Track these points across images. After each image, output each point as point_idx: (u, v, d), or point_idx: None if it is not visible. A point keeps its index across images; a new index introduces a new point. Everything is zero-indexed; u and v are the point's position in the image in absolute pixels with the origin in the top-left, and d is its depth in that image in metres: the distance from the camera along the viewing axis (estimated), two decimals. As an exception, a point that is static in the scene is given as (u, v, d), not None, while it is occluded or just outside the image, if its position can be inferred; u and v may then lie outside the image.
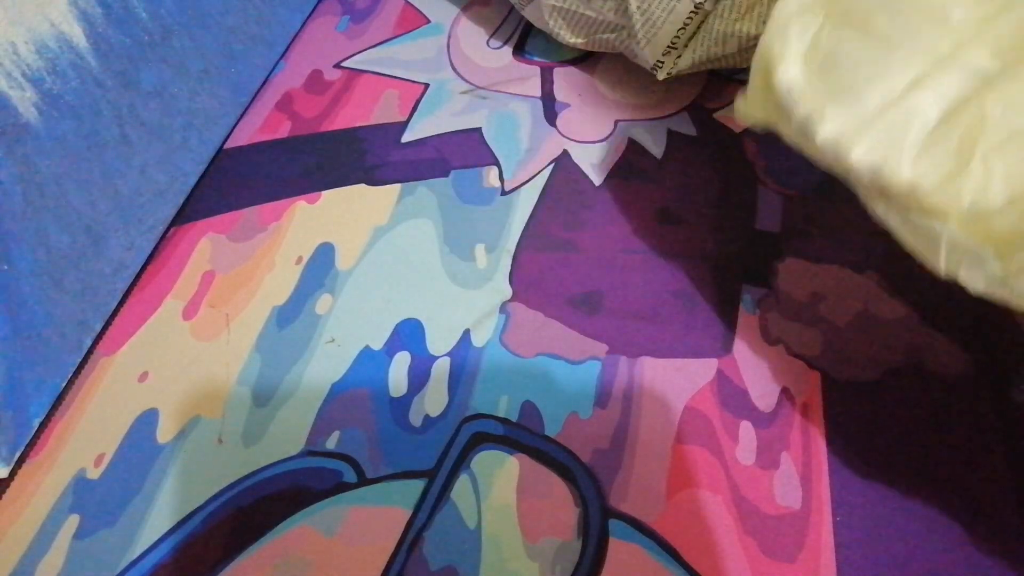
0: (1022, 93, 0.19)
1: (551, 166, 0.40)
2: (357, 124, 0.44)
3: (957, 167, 0.19)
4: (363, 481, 0.30)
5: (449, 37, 0.49)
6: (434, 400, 0.32)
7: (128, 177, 0.36)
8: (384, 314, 0.35)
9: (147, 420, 0.33)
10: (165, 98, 0.38)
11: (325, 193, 0.41)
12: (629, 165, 0.40)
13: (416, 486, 0.30)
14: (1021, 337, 0.30)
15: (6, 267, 0.31)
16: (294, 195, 0.41)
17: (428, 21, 0.50)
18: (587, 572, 0.28)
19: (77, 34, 0.34)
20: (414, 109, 0.44)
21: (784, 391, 0.31)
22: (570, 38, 0.42)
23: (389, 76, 0.47)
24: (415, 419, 0.32)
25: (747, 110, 0.24)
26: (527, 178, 0.40)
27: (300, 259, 0.38)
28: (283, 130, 0.44)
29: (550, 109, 0.43)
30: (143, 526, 0.30)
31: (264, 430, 0.32)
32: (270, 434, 0.32)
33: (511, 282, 0.36)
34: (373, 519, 0.29)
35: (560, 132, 0.42)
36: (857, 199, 0.22)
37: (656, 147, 0.41)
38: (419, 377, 0.33)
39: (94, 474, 0.32)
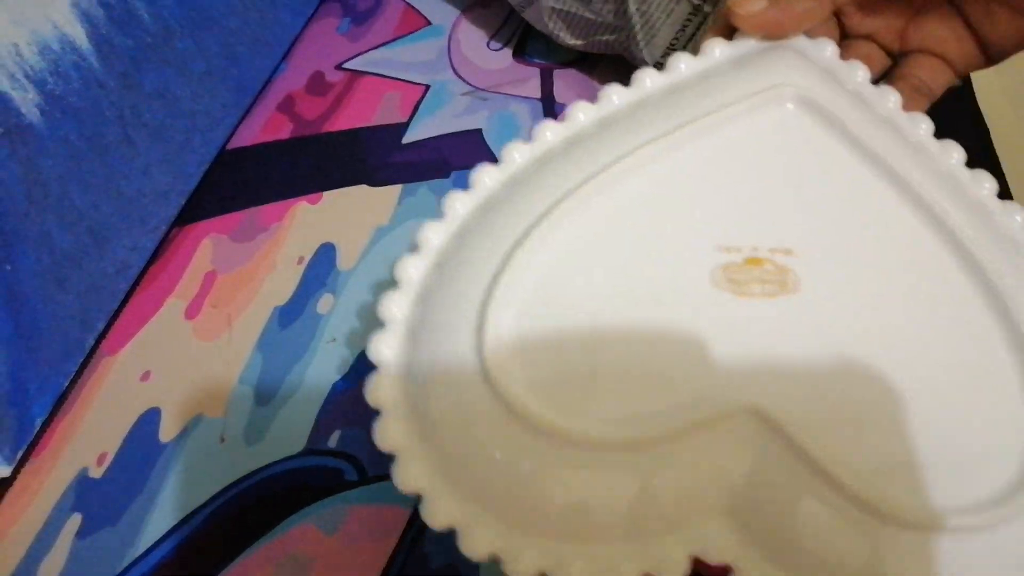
0: None
1: (551, 167, 0.41)
2: (358, 125, 0.44)
3: None
4: (364, 480, 0.30)
5: (450, 39, 0.49)
6: (435, 399, 0.32)
7: (131, 178, 0.37)
8: (385, 314, 0.35)
9: (149, 419, 0.33)
10: (167, 99, 0.39)
11: (326, 194, 0.41)
12: (629, 166, 0.40)
13: (417, 485, 0.30)
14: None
15: (9, 267, 0.31)
16: (296, 196, 0.41)
17: (429, 23, 0.50)
18: (588, 570, 0.28)
19: (79, 35, 0.34)
20: (415, 111, 0.45)
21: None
22: (570, 40, 0.42)
23: (390, 78, 0.47)
24: (416, 418, 0.32)
25: None
26: (527, 179, 0.40)
27: (302, 259, 0.38)
28: (285, 131, 0.44)
29: (550, 110, 0.44)
30: (145, 525, 0.30)
31: (266, 429, 0.32)
32: (272, 433, 0.32)
33: (512, 282, 0.36)
34: (374, 517, 0.29)
35: (560, 133, 0.42)
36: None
37: (656, 148, 0.41)
38: (420, 376, 0.33)
39: (96, 473, 0.32)
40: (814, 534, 0.19)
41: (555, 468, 0.20)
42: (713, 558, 0.20)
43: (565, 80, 0.45)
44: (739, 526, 0.20)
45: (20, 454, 0.32)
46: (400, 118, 0.44)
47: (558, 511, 0.20)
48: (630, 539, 0.20)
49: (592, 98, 0.27)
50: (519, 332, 0.21)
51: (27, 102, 0.31)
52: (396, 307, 0.24)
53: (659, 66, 0.27)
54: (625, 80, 0.27)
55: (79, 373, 0.35)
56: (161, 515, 0.30)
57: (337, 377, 0.33)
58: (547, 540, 0.20)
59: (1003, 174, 0.36)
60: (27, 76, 0.31)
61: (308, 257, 0.38)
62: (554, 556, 0.20)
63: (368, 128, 0.44)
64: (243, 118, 0.45)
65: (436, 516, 0.21)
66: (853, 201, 0.24)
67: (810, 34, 0.27)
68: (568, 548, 0.20)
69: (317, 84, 0.47)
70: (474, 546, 0.20)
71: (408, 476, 0.21)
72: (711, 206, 0.24)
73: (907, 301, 0.22)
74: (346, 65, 0.48)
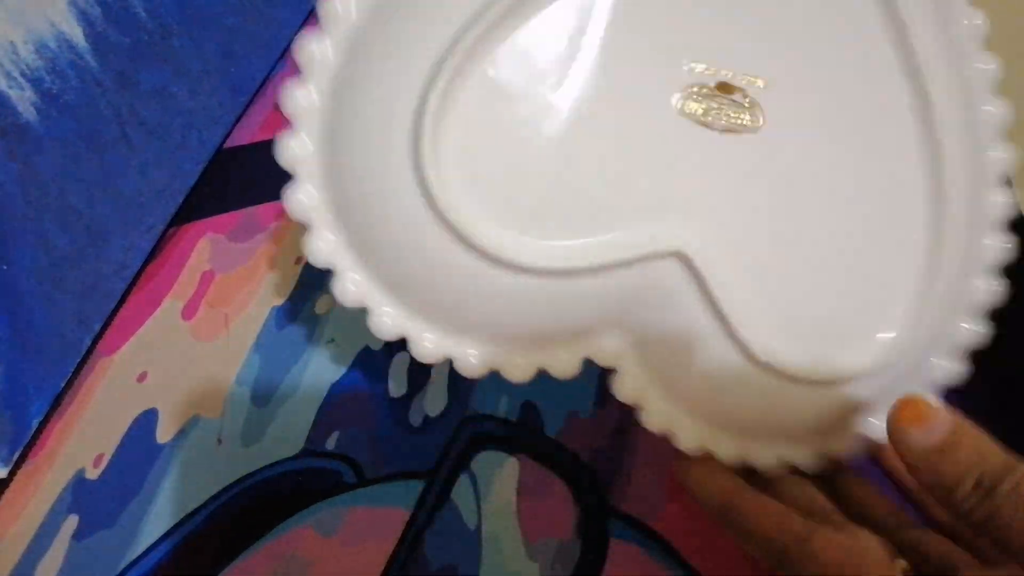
0: None
1: (551, 166, 0.40)
2: (357, 124, 0.44)
3: None
4: (363, 481, 0.30)
5: (449, 37, 0.49)
6: (434, 400, 0.32)
7: (128, 177, 0.36)
8: (384, 314, 0.35)
9: (146, 420, 0.33)
10: (165, 98, 0.38)
11: (325, 193, 0.41)
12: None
13: (416, 486, 0.30)
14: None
15: (5, 267, 0.31)
16: (294, 195, 0.41)
17: (428, 21, 0.50)
18: (587, 572, 0.28)
19: (76, 34, 0.34)
20: (414, 109, 0.44)
21: (783, 391, 0.31)
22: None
23: (389, 76, 0.46)
24: (415, 419, 0.32)
25: None
26: (527, 178, 0.40)
27: (300, 259, 0.38)
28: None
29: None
30: (142, 526, 0.30)
31: (263, 430, 0.32)
32: (269, 434, 0.32)
33: (511, 282, 0.36)
34: (373, 519, 0.29)
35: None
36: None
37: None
38: (418, 377, 0.33)
39: (93, 474, 0.32)
40: (704, 374, 0.21)
41: (475, 280, 0.21)
42: (601, 360, 0.22)
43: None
44: (632, 341, 0.22)
45: (17, 455, 0.32)
46: (399, 117, 0.44)
47: (474, 315, 0.22)
48: (530, 346, 0.22)
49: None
50: (462, 147, 0.20)
51: (24, 101, 0.31)
52: (303, 96, 0.23)
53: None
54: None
55: (76, 373, 0.35)
56: (158, 516, 0.30)
57: (335, 378, 0.33)
58: (450, 334, 0.22)
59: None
60: (24, 75, 0.31)
61: (306, 257, 0.38)
62: (454, 344, 0.22)
63: (367, 127, 0.44)
64: (241, 117, 0.45)
65: (346, 295, 0.23)
66: (842, 45, 0.22)
67: None
68: (468, 340, 0.22)
69: (315, 83, 0.47)
70: (380, 326, 0.23)
71: (318, 249, 0.24)
72: (689, 23, 0.22)
73: (863, 161, 0.21)
74: (345, 64, 0.48)
